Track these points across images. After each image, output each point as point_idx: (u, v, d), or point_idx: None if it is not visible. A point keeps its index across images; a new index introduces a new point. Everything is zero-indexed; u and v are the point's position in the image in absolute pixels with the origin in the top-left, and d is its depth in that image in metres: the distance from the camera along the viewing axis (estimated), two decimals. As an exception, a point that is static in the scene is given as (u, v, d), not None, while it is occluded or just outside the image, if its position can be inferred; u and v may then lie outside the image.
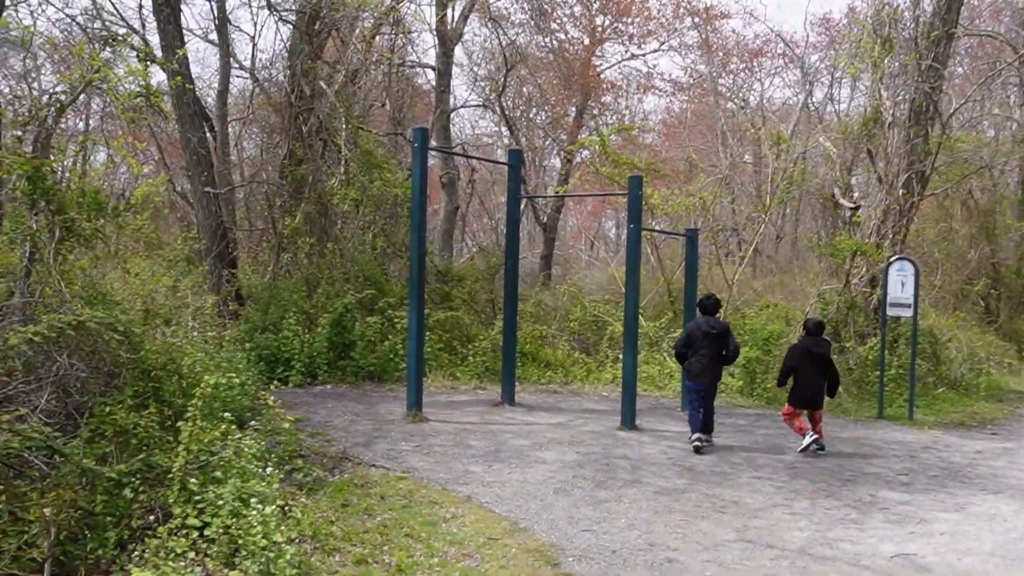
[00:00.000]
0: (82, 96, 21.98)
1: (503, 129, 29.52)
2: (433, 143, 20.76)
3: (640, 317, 15.57)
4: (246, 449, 6.05)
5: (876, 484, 8.38)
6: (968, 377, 15.01)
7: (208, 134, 19.83)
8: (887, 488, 8.25)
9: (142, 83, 8.67)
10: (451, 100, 24.29)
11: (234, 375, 7.09)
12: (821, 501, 7.65)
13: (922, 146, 14.62)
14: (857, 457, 9.58)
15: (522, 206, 28.37)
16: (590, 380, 14.06)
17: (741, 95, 32.47)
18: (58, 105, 7.23)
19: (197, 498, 5.37)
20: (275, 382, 11.19)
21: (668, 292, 16.64)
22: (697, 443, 9.47)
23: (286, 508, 5.67)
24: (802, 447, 9.63)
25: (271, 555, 4.97)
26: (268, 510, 5.23)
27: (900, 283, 12.15)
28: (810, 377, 9.82)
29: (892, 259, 12.57)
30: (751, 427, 11.04)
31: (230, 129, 22.75)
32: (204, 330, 10.20)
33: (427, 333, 13.41)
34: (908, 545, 6.52)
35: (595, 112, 28.10)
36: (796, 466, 8.92)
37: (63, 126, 23.06)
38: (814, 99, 31.31)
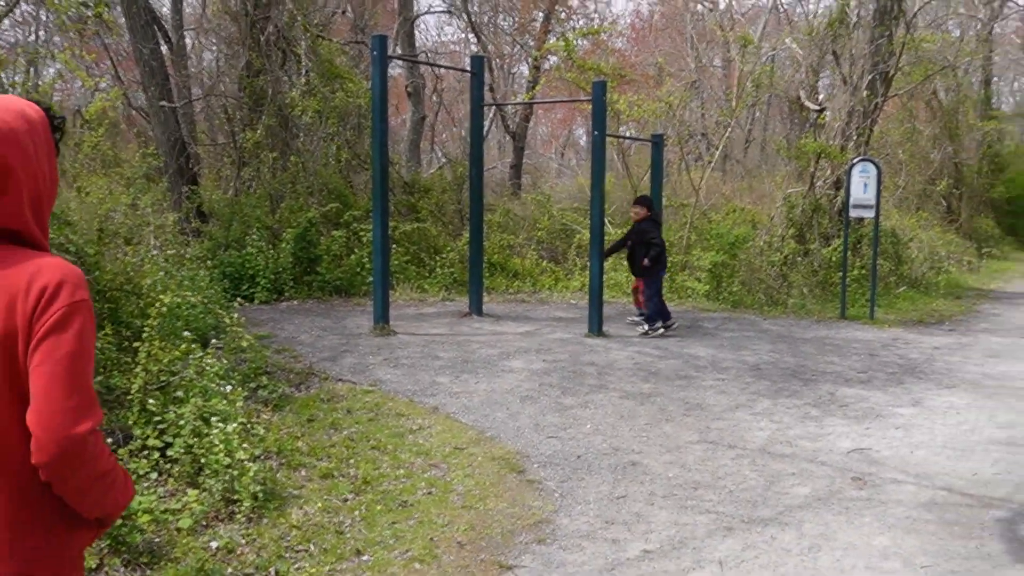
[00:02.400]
0: (30, 8, 21.17)
1: (470, 36, 28.92)
2: (397, 51, 20.28)
3: (608, 224, 15.57)
4: (208, 368, 6.04)
5: (836, 382, 8.55)
6: (928, 276, 15.26)
7: (164, 46, 19.24)
8: (847, 386, 8.43)
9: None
10: (415, 6, 23.66)
11: (190, 293, 7.01)
12: (783, 401, 7.80)
13: (886, 46, 14.50)
14: (819, 357, 9.75)
15: (490, 115, 27.98)
16: (558, 288, 14.11)
17: (710, -4, 31.88)
18: (-6, 18, 6.93)
19: (157, 419, 5.37)
20: (240, 299, 11.18)
21: (635, 198, 16.56)
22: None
23: (249, 426, 5.68)
24: (669, 326, 10.73)
25: (235, 473, 5.01)
26: (230, 428, 5.25)
27: (863, 184, 12.18)
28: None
29: (855, 160, 12.58)
30: (716, 331, 11.18)
31: (189, 41, 22.10)
32: (165, 249, 10.07)
33: (393, 245, 13.33)
34: (864, 440, 6.69)
35: (562, 16, 27.50)
36: (760, 368, 9.07)
37: (13, 40, 22.25)
38: (784, 0, 30.84)
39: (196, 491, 4.58)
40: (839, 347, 10.37)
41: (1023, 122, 37.81)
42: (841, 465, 6.12)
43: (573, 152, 42.38)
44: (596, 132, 10.19)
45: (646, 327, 10.65)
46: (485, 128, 31.47)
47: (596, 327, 10.36)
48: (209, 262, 11.28)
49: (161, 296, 6.12)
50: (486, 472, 5.77)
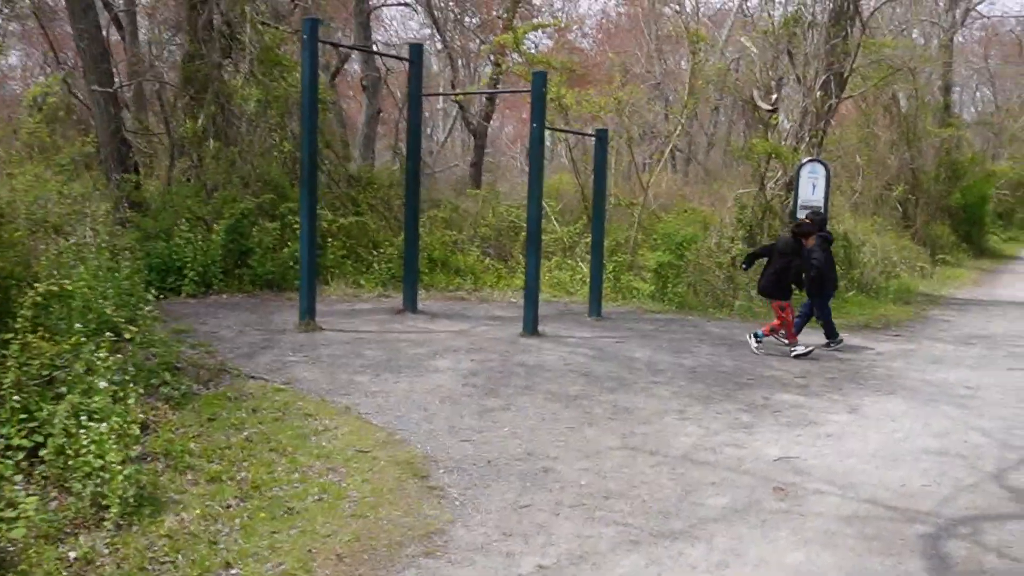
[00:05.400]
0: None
1: (434, 32, 28.44)
2: (351, 40, 19.85)
3: (555, 222, 15.29)
4: (99, 363, 5.63)
5: (772, 387, 8.29)
6: (879, 281, 15.09)
7: (116, 31, 18.71)
8: (783, 391, 8.17)
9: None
10: (373, -1, 23.21)
11: (82, 281, 6.57)
12: (714, 405, 7.52)
13: (841, 47, 14.32)
14: (759, 361, 9.50)
15: (453, 112, 27.52)
16: (500, 286, 13.71)
17: (676, -2, 31.66)
18: None
19: (23, 416, 4.95)
20: (161, 293, 10.66)
21: (583, 196, 16.24)
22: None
23: (127, 426, 5.26)
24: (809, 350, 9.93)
25: (105, 476, 4.62)
26: (103, 427, 4.86)
27: (812, 185, 11.99)
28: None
29: (804, 161, 12.38)
30: (658, 332, 10.87)
31: (145, 29, 21.47)
32: (96, 238, 9.57)
33: (330, 239, 12.91)
34: (793, 448, 6.42)
35: (524, 14, 27.15)
36: (696, 371, 8.78)
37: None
38: (749, 4, 30.73)
39: (35, 498, 4.17)
40: (780, 350, 10.11)
41: (982, 131, 38.09)
42: (765, 474, 5.84)
43: (537, 151, 42.06)
44: (535, 124, 9.84)
45: (829, 342, 10.42)
46: (448, 126, 31.14)
47: (531, 327, 9.99)
48: (126, 252, 10.72)
49: (38, 284, 5.67)
50: (386, 477, 5.42)
